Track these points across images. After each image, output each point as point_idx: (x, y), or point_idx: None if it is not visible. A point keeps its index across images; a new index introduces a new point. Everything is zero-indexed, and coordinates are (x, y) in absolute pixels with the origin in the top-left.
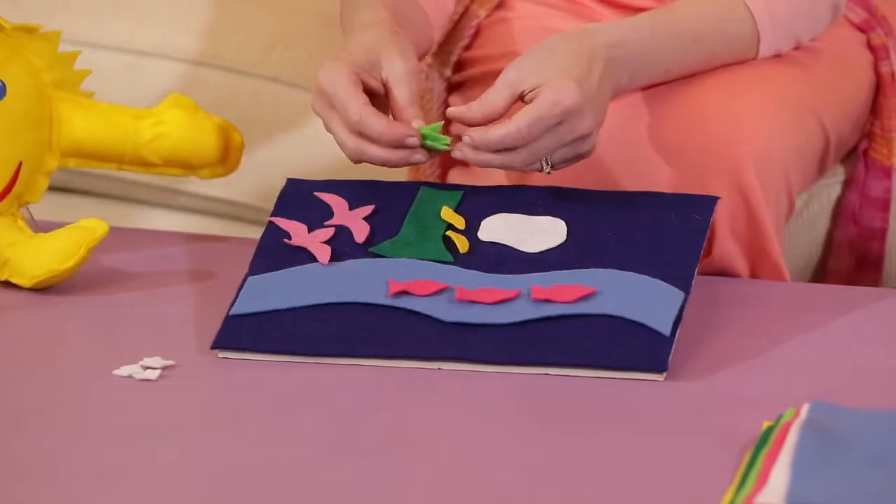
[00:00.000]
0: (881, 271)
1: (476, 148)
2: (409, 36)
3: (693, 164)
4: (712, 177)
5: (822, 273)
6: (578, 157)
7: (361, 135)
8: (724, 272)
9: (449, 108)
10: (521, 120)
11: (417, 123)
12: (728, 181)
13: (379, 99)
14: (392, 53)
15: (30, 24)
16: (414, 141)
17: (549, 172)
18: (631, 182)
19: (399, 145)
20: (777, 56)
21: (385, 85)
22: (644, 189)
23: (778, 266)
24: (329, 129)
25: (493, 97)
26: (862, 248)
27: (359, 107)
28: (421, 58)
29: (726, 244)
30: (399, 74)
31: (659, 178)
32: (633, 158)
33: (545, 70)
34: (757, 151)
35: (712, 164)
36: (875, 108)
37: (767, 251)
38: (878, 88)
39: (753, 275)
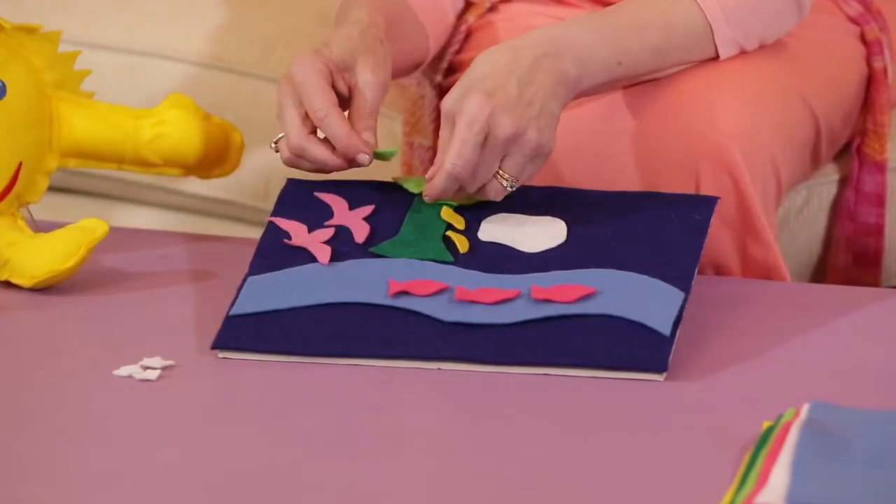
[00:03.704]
0: (880, 268)
1: (436, 199)
2: (400, 45)
3: (678, 147)
4: (698, 159)
5: (822, 271)
6: (530, 158)
7: (311, 134)
8: (714, 257)
9: (426, 176)
10: (448, 155)
11: (367, 136)
12: (714, 162)
13: (341, 101)
14: (368, 61)
15: (30, 24)
16: (364, 158)
17: (512, 188)
18: (619, 172)
19: (349, 157)
20: (761, 46)
21: (350, 90)
22: (630, 175)
23: (768, 245)
24: (281, 119)
25: (443, 135)
26: (860, 245)
27: (327, 105)
28: (413, 68)
29: (715, 228)
30: (367, 84)
31: (645, 164)
32: (618, 148)
33: (466, 90)
34: (741, 130)
35: (697, 145)
36: (867, 103)
37: (757, 229)
38: (870, 83)
39: (744, 260)
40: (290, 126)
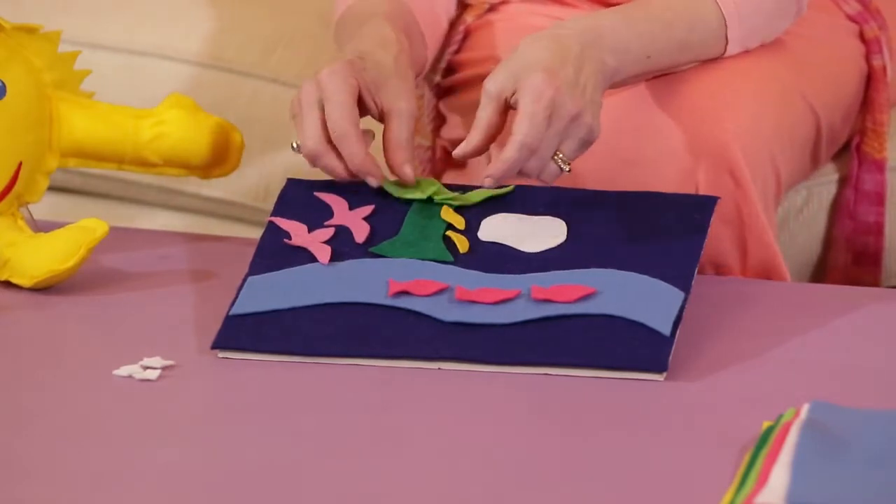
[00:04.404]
0: (880, 267)
1: (500, 178)
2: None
3: (679, 144)
4: (698, 158)
5: (822, 271)
6: (583, 142)
7: (329, 143)
8: (714, 257)
9: (454, 153)
10: (520, 127)
11: (407, 169)
12: (714, 161)
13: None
14: (401, 89)
15: (30, 24)
16: (373, 182)
17: (568, 170)
18: (620, 169)
19: (358, 177)
20: (761, 45)
21: (382, 113)
22: (631, 174)
23: (768, 245)
24: (300, 118)
25: (481, 115)
26: (859, 244)
27: (347, 124)
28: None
29: (715, 228)
30: (402, 112)
31: (646, 163)
32: (620, 146)
33: (518, 72)
34: (742, 129)
35: (698, 143)
36: (866, 101)
37: (757, 229)
38: (869, 82)
39: (744, 260)
40: (309, 130)
